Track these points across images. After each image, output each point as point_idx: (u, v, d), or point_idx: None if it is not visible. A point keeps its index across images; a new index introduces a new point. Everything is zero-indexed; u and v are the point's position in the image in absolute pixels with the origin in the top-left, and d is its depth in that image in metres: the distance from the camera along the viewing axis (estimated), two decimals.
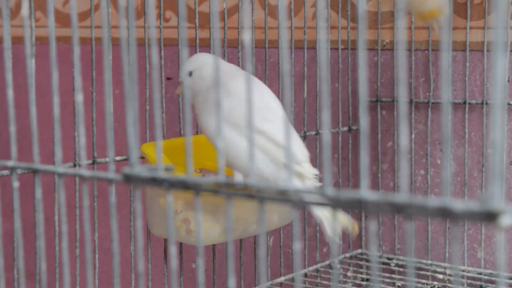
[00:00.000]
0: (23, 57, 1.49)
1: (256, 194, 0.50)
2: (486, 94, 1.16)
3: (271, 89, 0.95)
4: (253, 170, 0.52)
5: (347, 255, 1.25)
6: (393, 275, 1.18)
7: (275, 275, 1.28)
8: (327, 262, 1.23)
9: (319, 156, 1.20)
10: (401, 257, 1.23)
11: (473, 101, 1.17)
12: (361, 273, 1.22)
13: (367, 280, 1.20)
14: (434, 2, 1.04)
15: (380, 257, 1.24)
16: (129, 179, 0.55)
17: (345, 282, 1.18)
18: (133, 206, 1.05)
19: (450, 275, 1.17)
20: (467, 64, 1.16)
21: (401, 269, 1.21)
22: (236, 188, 0.51)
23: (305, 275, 1.20)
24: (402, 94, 0.47)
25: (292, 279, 1.17)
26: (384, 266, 1.22)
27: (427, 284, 1.15)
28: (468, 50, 1.16)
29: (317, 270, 1.21)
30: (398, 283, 1.18)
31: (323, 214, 0.89)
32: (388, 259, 1.23)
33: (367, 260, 1.24)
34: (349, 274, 1.21)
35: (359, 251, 1.27)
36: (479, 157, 1.17)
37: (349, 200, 0.46)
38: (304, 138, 1.17)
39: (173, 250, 0.55)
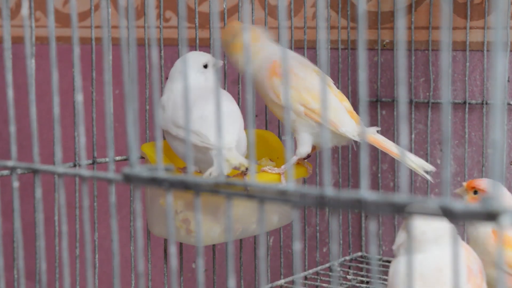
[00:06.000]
0: (23, 57, 1.49)
1: (256, 194, 0.50)
2: (486, 94, 1.16)
3: None
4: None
5: (347, 257, 1.25)
6: None
7: (275, 275, 1.28)
8: (327, 265, 1.22)
9: (319, 156, 1.20)
10: None
11: (473, 101, 1.17)
12: (361, 275, 1.22)
13: (367, 282, 1.20)
14: None
15: (380, 259, 1.24)
16: (129, 179, 0.55)
17: (345, 285, 1.18)
18: (133, 206, 1.05)
19: None
20: (467, 64, 1.16)
21: None
22: (236, 188, 0.51)
23: (305, 277, 1.20)
24: (402, 94, 0.47)
25: (292, 282, 1.17)
26: (384, 269, 1.22)
27: None
28: (468, 50, 1.16)
29: (317, 273, 1.21)
30: None
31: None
32: (388, 261, 1.23)
33: (367, 263, 1.24)
34: (349, 276, 1.21)
35: (359, 253, 1.27)
36: (479, 157, 1.17)
37: (349, 200, 0.46)
38: None
39: (173, 250, 0.55)
